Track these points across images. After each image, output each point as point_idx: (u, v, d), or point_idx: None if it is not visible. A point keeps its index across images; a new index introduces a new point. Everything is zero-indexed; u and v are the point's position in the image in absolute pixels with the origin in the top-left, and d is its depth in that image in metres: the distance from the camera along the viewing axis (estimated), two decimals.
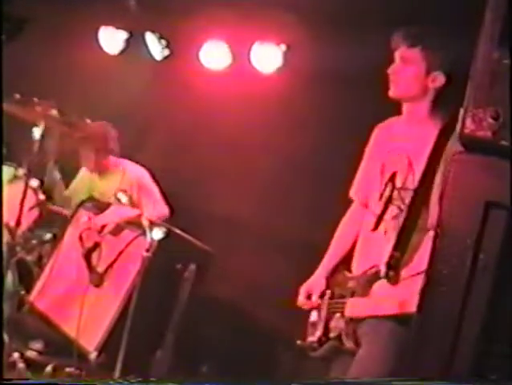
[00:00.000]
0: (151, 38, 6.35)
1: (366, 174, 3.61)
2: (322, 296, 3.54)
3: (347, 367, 3.32)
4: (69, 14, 6.30)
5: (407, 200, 3.26)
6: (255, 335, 5.66)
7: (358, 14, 5.12)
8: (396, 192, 3.33)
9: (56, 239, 5.24)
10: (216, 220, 5.98)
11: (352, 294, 3.38)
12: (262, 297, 5.60)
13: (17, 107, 4.92)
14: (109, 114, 5.99)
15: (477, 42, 1.64)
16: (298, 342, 3.61)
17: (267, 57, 5.94)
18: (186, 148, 6.32)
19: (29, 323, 4.83)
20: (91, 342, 4.21)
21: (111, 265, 4.32)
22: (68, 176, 6.06)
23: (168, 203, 5.73)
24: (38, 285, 4.84)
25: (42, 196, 5.42)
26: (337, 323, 3.40)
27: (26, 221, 5.20)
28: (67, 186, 5.94)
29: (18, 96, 4.87)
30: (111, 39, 6.62)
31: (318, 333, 3.47)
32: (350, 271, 3.51)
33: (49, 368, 4.68)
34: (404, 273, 3.18)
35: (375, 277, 3.25)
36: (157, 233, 4.10)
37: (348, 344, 3.32)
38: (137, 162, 5.93)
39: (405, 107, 3.42)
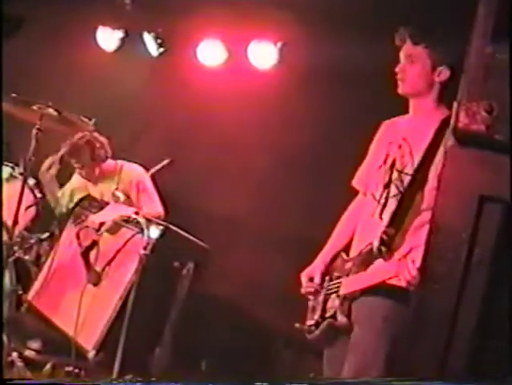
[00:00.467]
0: (148, 37, 6.35)
1: (370, 164, 3.72)
2: (323, 279, 3.63)
3: (342, 349, 3.38)
4: (66, 13, 6.30)
5: (405, 183, 3.39)
6: (253, 333, 5.66)
7: (353, 11, 5.12)
8: (395, 174, 3.45)
9: (53, 238, 5.24)
10: (214, 218, 5.99)
11: (348, 274, 3.47)
12: (260, 295, 5.61)
13: (14, 106, 4.92)
14: (107, 113, 5.98)
15: (470, 36, 1.64)
16: (297, 325, 3.67)
17: (263, 54, 5.95)
18: (183, 146, 6.32)
19: (27, 322, 4.83)
20: (89, 341, 4.21)
21: (108, 264, 4.31)
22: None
23: (164, 203, 5.73)
24: (36, 284, 4.84)
25: (39, 195, 5.43)
26: (333, 303, 3.49)
27: (24, 220, 5.20)
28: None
29: (14, 95, 4.87)
30: (109, 38, 6.62)
31: (316, 316, 3.53)
32: (348, 255, 3.62)
33: (47, 367, 4.68)
34: (397, 254, 3.28)
35: (370, 254, 3.34)
36: (155, 231, 4.10)
37: (341, 319, 3.38)
38: (134, 159, 5.93)
39: (412, 103, 3.54)
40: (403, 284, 3.10)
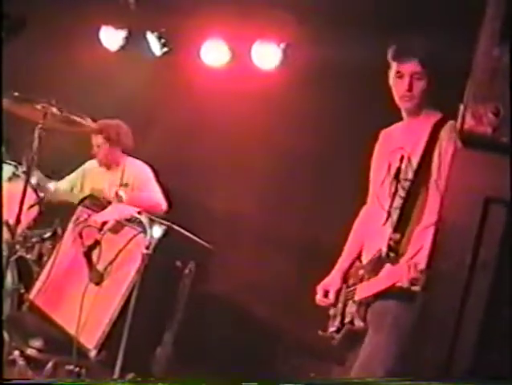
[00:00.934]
0: (151, 37, 6.35)
1: (376, 177, 3.78)
2: (338, 293, 3.72)
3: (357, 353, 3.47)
4: (70, 13, 6.30)
5: (406, 189, 3.48)
6: (255, 332, 5.66)
7: (356, 13, 5.13)
8: (400, 183, 3.53)
9: (56, 237, 5.24)
10: (216, 218, 5.99)
11: (361, 280, 3.57)
12: (262, 295, 5.61)
13: (17, 105, 4.92)
14: (110, 112, 6.00)
15: (477, 38, 1.64)
16: (320, 332, 3.74)
17: (267, 55, 5.95)
18: (186, 145, 6.33)
19: (29, 321, 4.83)
20: (90, 340, 4.20)
21: (110, 263, 4.31)
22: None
23: (167, 198, 5.77)
24: (38, 283, 4.83)
25: (41, 194, 5.43)
26: (350, 309, 3.59)
27: (26, 219, 5.20)
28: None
29: (18, 94, 4.87)
30: (113, 38, 6.62)
31: (337, 323, 3.61)
32: (360, 261, 3.71)
33: (49, 366, 4.68)
34: (403, 259, 3.36)
35: (379, 260, 3.44)
36: (157, 231, 4.10)
37: (358, 323, 3.48)
38: (137, 158, 5.98)
39: (408, 114, 3.60)
40: (405, 285, 3.15)
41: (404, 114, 3.62)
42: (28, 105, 4.89)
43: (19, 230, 4.97)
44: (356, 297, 3.53)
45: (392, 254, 3.36)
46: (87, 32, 6.61)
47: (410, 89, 3.47)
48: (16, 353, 4.73)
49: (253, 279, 5.70)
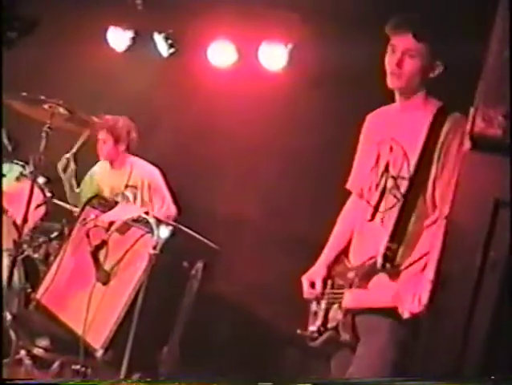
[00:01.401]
0: (158, 38, 6.36)
1: (361, 165, 3.60)
2: (324, 284, 3.57)
3: (346, 362, 3.34)
4: (77, 13, 6.33)
5: (402, 189, 3.27)
6: (261, 332, 5.67)
7: (363, 14, 5.13)
8: (391, 181, 3.33)
9: (63, 237, 5.26)
10: (222, 219, 6.00)
11: (351, 285, 3.40)
12: (268, 296, 5.61)
13: (25, 104, 4.94)
14: (116, 113, 6.02)
15: (486, 40, 1.64)
16: (299, 331, 3.64)
17: (273, 56, 5.96)
18: (192, 146, 6.34)
19: (35, 320, 4.84)
20: (97, 340, 4.21)
21: (117, 263, 4.31)
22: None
23: (176, 202, 5.79)
24: (45, 282, 4.84)
25: (48, 194, 5.45)
26: (335, 314, 3.44)
27: (33, 219, 5.22)
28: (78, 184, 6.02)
29: (25, 94, 4.89)
30: (120, 38, 6.64)
31: (318, 322, 3.50)
32: (347, 257, 3.56)
33: (55, 365, 4.69)
34: (403, 266, 3.22)
35: (373, 268, 3.28)
36: (164, 231, 4.10)
37: (344, 336, 3.35)
38: (144, 158, 5.99)
39: (400, 97, 3.38)
40: (406, 315, 3.03)
41: (396, 96, 3.37)
42: (35, 105, 4.91)
43: (26, 230, 5.00)
44: (344, 304, 3.36)
45: (387, 265, 3.21)
46: (95, 33, 6.63)
47: (400, 65, 3.24)
48: (23, 352, 4.75)
49: (259, 280, 5.71)
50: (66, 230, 5.29)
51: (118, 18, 6.51)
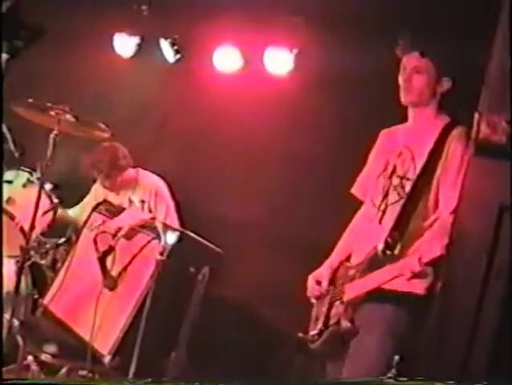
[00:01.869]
0: (164, 44, 6.37)
1: (369, 173, 3.83)
2: (330, 284, 3.72)
3: (343, 358, 3.47)
4: (83, 20, 6.34)
5: (407, 188, 3.48)
6: (268, 337, 5.67)
7: (368, 19, 5.14)
8: (397, 180, 3.54)
9: (70, 243, 5.27)
10: (228, 224, 5.99)
11: (351, 281, 3.53)
12: (275, 299, 5.61)
13: (31, 111, 4.95)
14: (123, 119, 6.03)
15: (491, 49, 1.65)
16: (300, 334, 3.71)
17: (279, 61, 5.96)
18: (199, 152, 6.34)
19: (43, 326, 4.85)
20: (104, 346, 4.22)
21: (125, 269, 4.32)
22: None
23: (179, 212, 5.78)
24: (52, 288, 4.85)
25: (56, 200, 5.46)
26: (337, 310, 3.54)
27: (40, 225, 5.23)
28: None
29: (32, 101, 4.90)
30: (126, 45, 6.64)
31: (319, 326, 3.56)
32: (349, 262, 3.72)
33: (63, 371, 4.70)
34: (402, 259, 3.33)
35: (375, 259, 3.41)
36: (171, 237, 4.11)
37: (345, 324, 3.46)
38: (150, 166, 5.99)
39: (412, 112, 3.64)
40: (408, 275, 3.14)
41: (409, 113, 3.64)
42: (42, 112, 4.92)
43: (34, 236, 5.01)
44: (345, 298, 3.51)
45: (388, 252, 3.34)
46: (101, 39, 6.64)
47: (409, 81, 3.53)
48: (30, 358, 4.76)
49: (265, 284, 5.71)
50: (73, 236, 5.31)
51: (124, 25, 6.51)
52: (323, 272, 3.80)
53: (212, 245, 4.61)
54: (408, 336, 3.27)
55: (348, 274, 3.59)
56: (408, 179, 3.49)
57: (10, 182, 5.39)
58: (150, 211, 5.53)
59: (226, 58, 6.21)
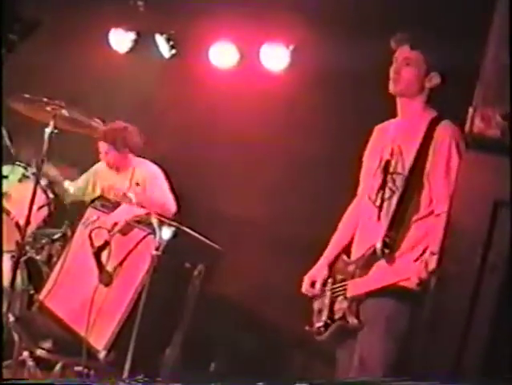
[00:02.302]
0: (160, 39, 6.36)
1: (367, 170, 3.86)
2: (325, 283, 3.77)
3: (352, 350, 3.51)
4: (79, 15, 6.33)
5: (398, 183, 3.54)
6: (264, 334, 5.67)
7: (365, 15, 5.14)
8: (389, 177, 3.59)
9: (65, 238, 5.27)
10: (224, 219, 6.00)
11: (352, 277, 3.59)
12: (271, 296, 5.62)
13: (27, 106, 4.95)
14: (119, 115, 6.02)
15: (486, 42, 1.65)
16: (307, 328, 3.77)
17: (275, 57, 5.95)
18: (194, 147, 6.34)
19: (38, 322, 4.84)
20: (100, 341, 4.21)
21: (120, 264, 4.31)
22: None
23: (177, 202, 5.79)
24: (48, 284, 4.85)
25: (51, 195, 5.46)
26: (341, 305, 3.60)
27: (36, 221, 5.23)
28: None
29: (28, 96, 4.89)
30: (121, 40, 6.64)
31: (324, 318, 3.61)
32: (349, 257, 3.75)
33: (58, 367, 4.69)
34: (398, 253, 3.44)
35: (373, 257, 3.48)
36: (166, 232, 4.10)
37: (351, 320, 3.50)
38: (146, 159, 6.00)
39: (400, 103, 3.68)
40: (413, 286, 3.18)
41: (397, 104, 3.69)
42: (38, 107, 4.92)
43: (29, 231, 5.00)
44: (348, 294, 3.55)
45: (386, 251, 3.38)
46: (97, 34, 6.63)
47: (398, 72, 3.58)
48: (25, 354, 4.75)
49: (262, 281, 5.72)
50: (68, 231, 5.30)
51: (120, 20, 6.51)
52: (318, 270, 3.84)
53: (208, 241, 4.61)
54: (407, 331, 3.31)
55: (348, 270, 3.64)
56: (399, 174, 3.55)
57: (5, 177, 5.38)
58: (144, 192, 5.55)
59: (222, 54, 6.21)
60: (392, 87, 3.62)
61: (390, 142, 3.66)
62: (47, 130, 4.83)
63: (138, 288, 4.12)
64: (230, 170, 6.12)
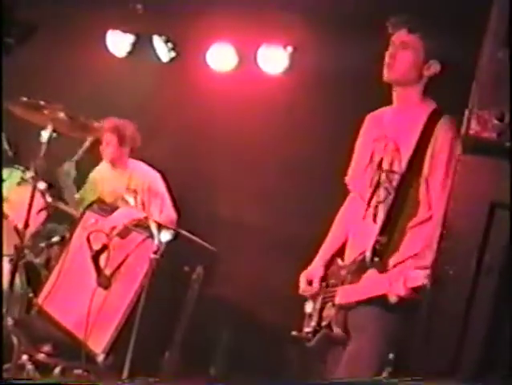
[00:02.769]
0: (158, 42, 6.36)
1: (358, 163, 3.65)
2: (321, 282, 3.62)
3: (339, 359, 3.36)
4: (77, 18, 6.33)
5: (394, 183, 3.32)
6: (263, 336, 5.66)
7: (363, 16, 5.12)
8: (383, 176, 3.37)
9: (64, 241, 5.26)
10: (222, 222, 5.99)
11: (343, 282, 3.44)
12: (269, 298, 5.61)
13: (25, 109, 4.94)
14: (117, 117, 6.02)
15: (481, 42, 1.64)
16: (294, 332, 3.66)
17: (273, 59, 5.95)
18: (192, 150, 6.33)
19: (37, 326, 4.84)
20: (98, 345, 4.21)
21: (118, 268, 4.32)
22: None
23: (176, 207, 5.78)
24: (47, 287, 4.85)
25: (49, 199, 5.45)
26: (329, 312, 3.47)
27: (34, 224, 5.22)
28: (79, 188, 6.01)
29: (26, 99, 4.89)
30: (119, 42, 6.65)
31: (313, 323, 3.52)
32: (343, 260, 3.59)
33: (57, 370, 4.69)
34: (392, 260, 3.26)
35: (363, 264, 3.32)
36: (165, 236, 4.10)
37: (336, 330, 3.38)
38: (144, 163, 5.99)
39: (396, 93, 3.43)
40: (394, 300, 3.09)
41: (393, 93, 3.44)
42: (36, 110, 4.91)
43: (28, 235, 5.00)
44: (337, 301, 3.40)
45: (376, 259, 3.26)
46: (95, 37, 6.63)
47: (394, 56, 3.32)
48: (25, 357, 4.74)
49: (260, 283, 5.71)
50: (67, 235, 5.29)
51: (118, 22, 6.51)
52: (315, 269, 3.70)
53: (206, 244, 4.61)
54: (400, 335, 3.21)
55: (340, 274, 3.49)
56: (395, 172, 3.33)
57: (3, 181, 5.37)
58: (143, 204, 5.54)
59: (220, 56, 6.22)
60: (386, 74, 3.35)
61: (384, 135, 3.43)
62: (45, 133, 4.82)
63: (136, 291, 4.13)
64: (228, 173, 6.12)
